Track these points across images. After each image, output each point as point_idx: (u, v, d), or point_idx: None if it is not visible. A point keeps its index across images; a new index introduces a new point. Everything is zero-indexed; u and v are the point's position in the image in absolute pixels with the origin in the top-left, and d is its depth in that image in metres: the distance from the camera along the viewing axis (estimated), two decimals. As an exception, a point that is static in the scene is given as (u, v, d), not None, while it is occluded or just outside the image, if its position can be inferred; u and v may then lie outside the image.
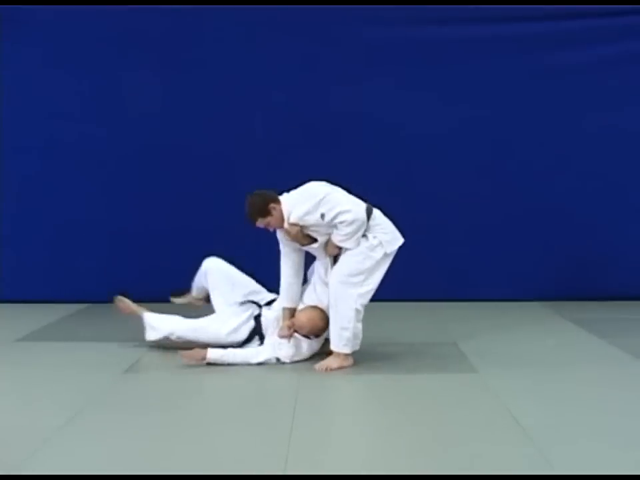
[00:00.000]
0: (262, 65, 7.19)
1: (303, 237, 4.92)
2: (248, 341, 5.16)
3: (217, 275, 5.48)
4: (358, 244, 4.83)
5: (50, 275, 7.34)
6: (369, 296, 4.91)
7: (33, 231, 7.33)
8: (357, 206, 4.84)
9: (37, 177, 7.32)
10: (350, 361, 4.96)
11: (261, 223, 4.94)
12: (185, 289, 5.66)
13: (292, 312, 5.05)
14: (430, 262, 7.08)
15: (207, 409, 4.26)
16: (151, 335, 5.39)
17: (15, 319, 6.64)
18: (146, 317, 5.43)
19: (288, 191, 5.03)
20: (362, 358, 5.14)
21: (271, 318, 5.16)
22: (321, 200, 4.79)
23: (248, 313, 5.26)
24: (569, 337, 5.88)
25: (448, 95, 7.09)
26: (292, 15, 7.09)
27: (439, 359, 5.25)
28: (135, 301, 7.19)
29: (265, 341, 5.11)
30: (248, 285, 5.44)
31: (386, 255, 4.91)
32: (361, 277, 4.84)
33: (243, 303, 5.33)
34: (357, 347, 4.96)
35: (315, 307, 5.03)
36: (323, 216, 4.78)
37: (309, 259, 5.19)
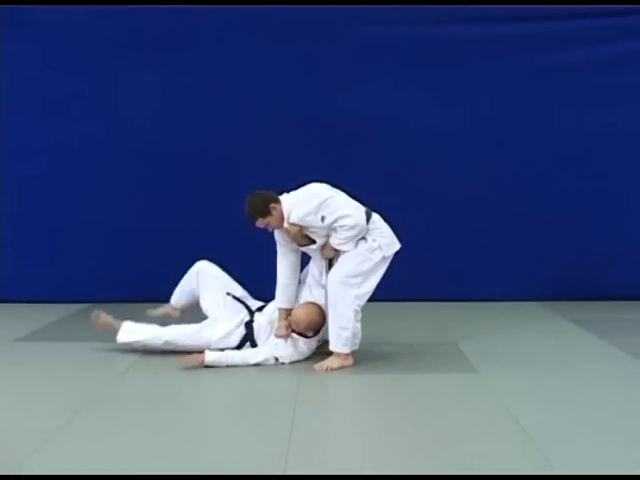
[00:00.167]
0: (261, 65, 7.18)
1: (302, 237, 4.92)
2: (239, 347, 5.13)
3: (209, 275, 5.47)
4: (355, 247, 4.84)
5: (50, 275, 7.34)
6: (366, 298, 4.93)
7: (32, 231, 7.32)
8: (357, 210, 4.85)
9: (37, 177, 7.32)
10: (350, 360, 4.96)
11: (260, 222, 4.94)
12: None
13: (288, 312, 5.05)
14: (430, 262, 7.07)
15: (206, 409, 4.26)
16: (124, 337, 5.27)
17: (15, 319, 6.64)
18: (125, 324, 5.33)
19: (288, 191, 5.03)
20: (362, 358, 5.14)
21: (264, 323, 5.13)
22: (322, 202, 4.79)
23: (239, 319, 5.19)
24: (569, 336, 5.88)
25: (448, 95, 7.09)
26: (292, 15, 7.09)
27: (438, 359, 5.25)
28: (135, 300, 7.23)
29: (259, 346, 5.10)
30: (238, 289, 5.43)
31: (384, 258, 4.92)
32: (359, 279, 4.85)
33: (234, 298, 5.31)
34: (356, 347, 4.96)
35: (311, 303, 5.03)
36: (323, 219, 4.79)
37: (304, 261, 5.19)
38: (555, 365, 5.04)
